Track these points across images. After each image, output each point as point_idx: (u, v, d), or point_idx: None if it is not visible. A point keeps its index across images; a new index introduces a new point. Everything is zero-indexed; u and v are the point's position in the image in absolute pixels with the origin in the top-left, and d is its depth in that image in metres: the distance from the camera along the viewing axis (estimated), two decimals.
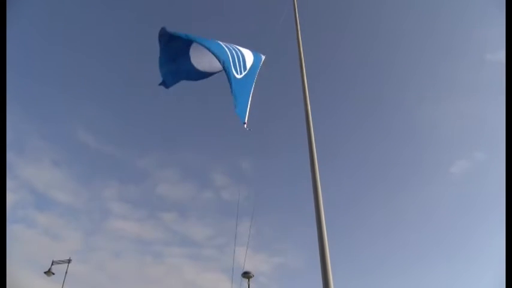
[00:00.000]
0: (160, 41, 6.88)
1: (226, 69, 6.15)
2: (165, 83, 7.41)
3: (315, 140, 5.18)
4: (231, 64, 6.34)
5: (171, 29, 6.75)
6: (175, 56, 7.11)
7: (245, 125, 6.11)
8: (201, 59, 7.21)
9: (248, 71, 6.92)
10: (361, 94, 39.46)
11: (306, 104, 5.82)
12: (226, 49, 6.51)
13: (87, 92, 36.33)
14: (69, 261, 17.79)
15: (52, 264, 17.53)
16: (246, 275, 15.51)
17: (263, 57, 7.71)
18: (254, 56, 7.42)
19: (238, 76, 6.48)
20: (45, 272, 17.28)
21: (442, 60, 37.49)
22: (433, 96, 38.39)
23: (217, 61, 6.42)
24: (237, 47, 6.99)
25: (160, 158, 38.47)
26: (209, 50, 6.31)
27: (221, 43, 6.68)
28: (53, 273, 17.43)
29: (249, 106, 6.48)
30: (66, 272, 17.55)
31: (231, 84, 6.07)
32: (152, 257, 33.33)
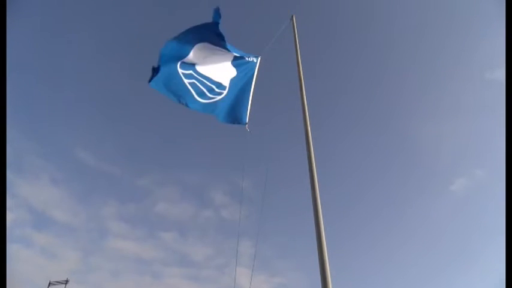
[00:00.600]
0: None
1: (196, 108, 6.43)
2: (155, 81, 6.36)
3: (315, 158, 5.20)
4: (200, 98, 6.55)
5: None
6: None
7: (246, 126, 6.39)
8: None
9: (232, 84, 7.07)
10: (362, 114, 39.70)
11: (305, 124, 5.86)
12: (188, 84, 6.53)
13: (87, 110, 36.54)
14: (66, 281, 17.58)
15: (49, 285, 17.30)
16: None
17: (258, 59, 7.79)
18: (240, 63, 7.47)
19: (219, 97, 6.72)
20: None
21: (441, 78, 37.91)
22: (433, 115, 38.65)
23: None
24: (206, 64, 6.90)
25: (159, 176, 38.40)
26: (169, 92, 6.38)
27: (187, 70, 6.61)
28: None
29: (248, 109, 6.72)
30: None
31: (213, 112, 6.56)
32: (151, 277, 32.84)
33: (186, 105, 6.40)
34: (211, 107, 6.63)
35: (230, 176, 35.81)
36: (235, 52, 7.47)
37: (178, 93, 6.46)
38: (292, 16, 8.16)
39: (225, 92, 6.85)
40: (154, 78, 6.24)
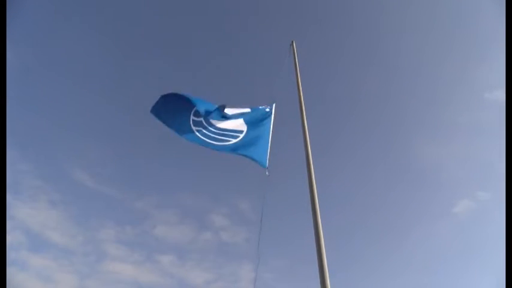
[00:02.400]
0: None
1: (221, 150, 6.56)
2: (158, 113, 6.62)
3: (315, 183, 5.25)
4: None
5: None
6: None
7: (267, 172, 6.43)
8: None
9: (250, 128, 7.20)
10: (362, 139, 39.83)
11: (306, 147, 5.94)
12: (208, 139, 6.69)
13: (86, 132, 36.69)
14: None
15: None
16: None
17: (273, 106, 7.86)
18: (255, 113, 7.63)
19: (233, 141, 6.80)
20: None
21: (439, 99, 38.24)
22: (432, 137, 38.76)
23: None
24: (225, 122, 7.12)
25: (158, 199, 38.14)
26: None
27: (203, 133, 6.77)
28: None
29: (268, 154, 6.82)
30: None
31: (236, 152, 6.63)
32: None
33: (186, 138, 6.50)
34: (220, 148, 6.70)
35: (230, 199, 35.64)
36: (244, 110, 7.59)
37: (181, 129, 6.56)
38: (292, 42, 8.36)
39: (241, 136, 6.93)
40: (157, 106, 6.45)
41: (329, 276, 4.19)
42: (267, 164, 6.58)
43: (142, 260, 33.70)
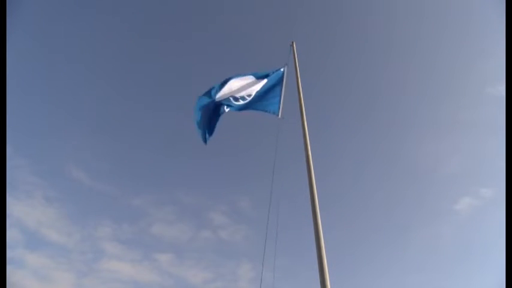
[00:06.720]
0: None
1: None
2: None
3: (315, 183, 5.28)
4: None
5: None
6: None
7: (279, 115, 7.30)
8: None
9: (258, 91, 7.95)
10: (361, 136, 39.73)
11: (306, 148, 5.97)
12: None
13: (82, 128, 36.66)
14: None
15: None
16: None
17: (285, 68, 8.45)
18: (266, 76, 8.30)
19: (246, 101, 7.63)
20: None
21: (442, 96, 38.10)
22: (431, 133, 38.61)
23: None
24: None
25: (156, 196, 38.04)
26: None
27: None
28: None
29: (281, 104, 7.62)
30: None
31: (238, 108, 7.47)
32: None
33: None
34: (238, 107, 7.49)
35: (229, 196, 35.59)
36: (261, 75, 8.29)
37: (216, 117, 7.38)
38: (292, 42, 8.39)
39: (252, 96, 7.74)
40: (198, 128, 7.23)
41: (329, 276, 4.24)
42: (279, 112, 7.34)
43: (140, 259, 33.70)
